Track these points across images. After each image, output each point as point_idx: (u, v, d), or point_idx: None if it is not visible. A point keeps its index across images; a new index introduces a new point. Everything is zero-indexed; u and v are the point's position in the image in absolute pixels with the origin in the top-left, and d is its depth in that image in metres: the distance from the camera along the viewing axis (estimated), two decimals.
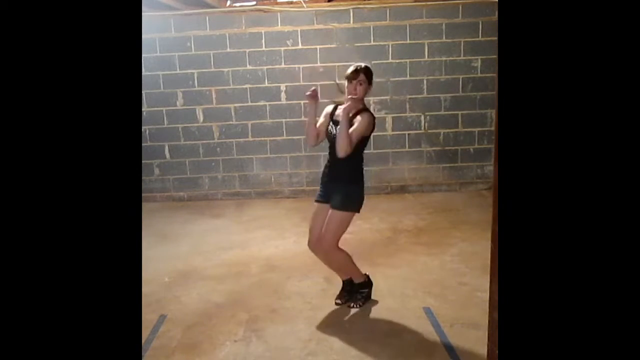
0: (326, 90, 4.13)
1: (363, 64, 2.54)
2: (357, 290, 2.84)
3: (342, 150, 2.47)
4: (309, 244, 2.77)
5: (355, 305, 2.79)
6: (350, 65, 2.55)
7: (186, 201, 5.36)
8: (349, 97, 2.52)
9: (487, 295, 1.72)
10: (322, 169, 2.80)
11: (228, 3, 5.09)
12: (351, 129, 2.48)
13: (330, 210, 2.61)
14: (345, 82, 2.54)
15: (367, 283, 2.86)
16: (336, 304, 2.84)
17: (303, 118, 4.86)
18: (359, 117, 2.53)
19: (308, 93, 2.58)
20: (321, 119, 2.70)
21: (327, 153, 2.73)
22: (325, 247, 2.64)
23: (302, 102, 4.99)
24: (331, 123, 2.64)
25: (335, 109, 2.67)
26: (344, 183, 2.62)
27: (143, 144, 5.17)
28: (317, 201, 2.74)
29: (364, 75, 2.49)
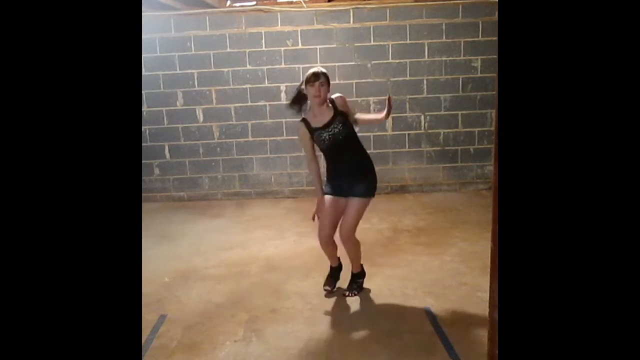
0: None
1: (322, 69, 2.67)
2: (353, 280, 2.95)
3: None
4: (329, 237, 2.82)
5: (350, 294, 2.90)
6: (312, 70, 2.66)
7: (186, 201, 5.36)
8: (315, 98, 2.63)
9: (487, 295, 1.72)
10: (323, 169, 2.84)
11: (228, 3, 5.09)
12: (357, 115, 2.83)
13: (354, 200, 2.74)
14: (306, 86, 2.65)
15: (363, 273, 2.99)
16: (325, 290, 2.93)
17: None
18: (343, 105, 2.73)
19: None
20: (307, 142, 2.76)
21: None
22: (350, 233, 2.77)
23: None
24: (319, 132, 2.68)
25: (307, 123, 2.71)
26: (366, 174, 2.78)
27: (143, 144, 5.17)
28: (330, 194, 2.78)
29: (324, 78, 2.63)
